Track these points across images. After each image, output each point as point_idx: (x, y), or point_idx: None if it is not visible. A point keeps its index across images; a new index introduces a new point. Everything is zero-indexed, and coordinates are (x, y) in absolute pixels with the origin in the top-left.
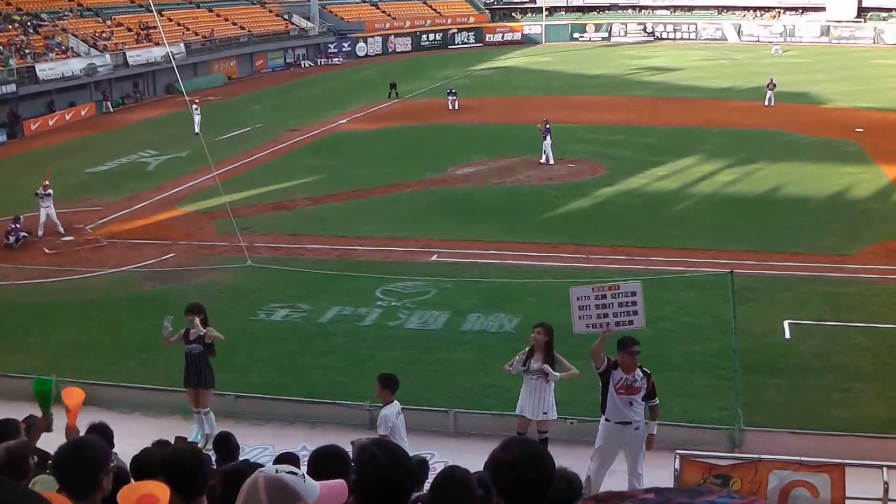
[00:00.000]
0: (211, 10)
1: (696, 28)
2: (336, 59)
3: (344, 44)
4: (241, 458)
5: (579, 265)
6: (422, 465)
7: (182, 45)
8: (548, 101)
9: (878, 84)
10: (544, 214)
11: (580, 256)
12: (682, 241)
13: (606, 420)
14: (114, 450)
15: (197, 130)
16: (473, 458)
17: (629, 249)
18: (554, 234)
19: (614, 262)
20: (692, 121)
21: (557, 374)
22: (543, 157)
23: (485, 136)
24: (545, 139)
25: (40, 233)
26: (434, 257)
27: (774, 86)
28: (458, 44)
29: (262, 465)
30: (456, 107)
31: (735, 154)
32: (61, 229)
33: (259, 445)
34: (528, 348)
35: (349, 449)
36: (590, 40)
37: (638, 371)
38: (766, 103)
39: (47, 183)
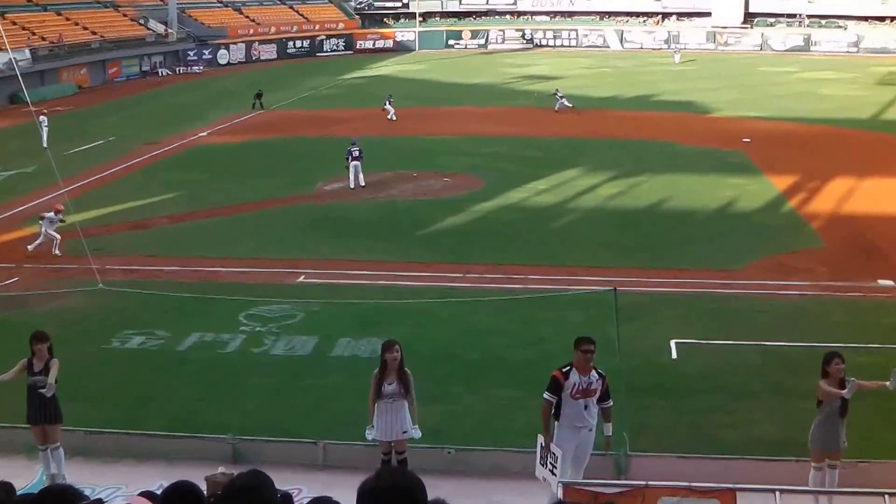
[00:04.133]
0: (60, 14)
1: (577, 35)
2: (196, 67)
3: (204, 51)
4: (93, 498)
5: (457, 284)
6: (286, 499)
7: (27, 51)
8: (423, 112)
9: (765, 92)
10: (419, 231)
11: (457, 275)
12: (563, 258)
13: (561, 425)
14: None
15: (45, 144)
16: (344, 492)
17: (508, 267)
18: (430, 252)
19: (493, 281)
20: (574, 132)
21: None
22: (353, 182)
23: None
24: (355, 160)
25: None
26: (301, 278)
27: (562, 95)
28: (327, 51)
29: None
30: (392, 116)
31: (619, 166)
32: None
33: (111, 485)
34: (376, 371)
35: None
36: (466, 47)
37: (593, 372)
38: (557, 108)
39: (61, 208)
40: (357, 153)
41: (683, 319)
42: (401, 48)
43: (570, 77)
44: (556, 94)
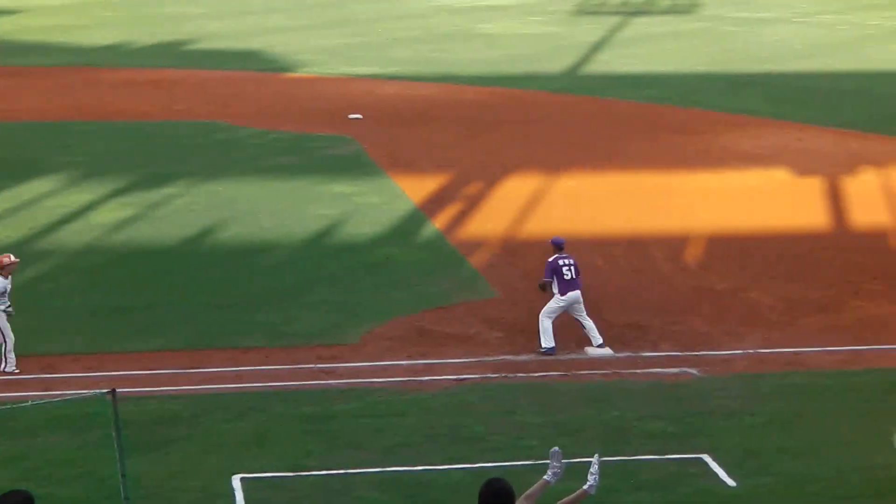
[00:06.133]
0: None
1: None
2: None
3: None
4: None
5: None
6: None
7: None
8: None
9: (385, 31)
10: None
11: None
12: (25, 341)
13: None
14: None
15: None
16: None
17: None
18: None
19: None
20: (42, 109)
21: None
22: None
23: None
24: None
25: None
26: None
27: None
28: None
29: None
30: None
31: (128, 169)
32: None
33: None
34: None
35: None
36: None
37: None
38: None
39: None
40: None
41: (258, 436)
42: None
43: (25, 11)
44: None
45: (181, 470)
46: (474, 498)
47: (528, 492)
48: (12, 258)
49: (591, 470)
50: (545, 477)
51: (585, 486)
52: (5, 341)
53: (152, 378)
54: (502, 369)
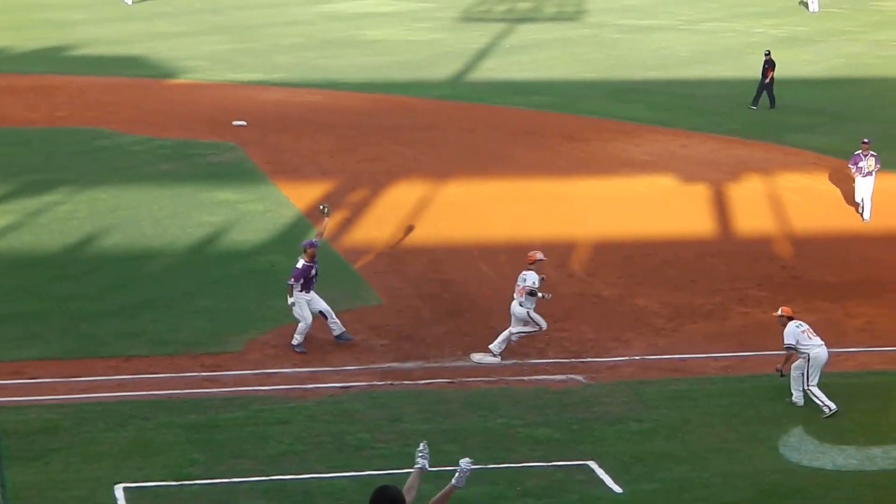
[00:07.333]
0: None
1: None
2: None
3: None
4: None
5: None
6: None
7: None
8: None
9: (270, 38)
10: None
11: None
12: None
13: None
14: None
15: None
16: None
17: None
18: None
19: None
20: None
21: None
22: None
23: None
24: None
25: None
26: None
27: None
28: None
29: None
30: None
31: (34, 176)
32: None
33: None
34: None
35: None
36: None
37: None
38: None
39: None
40: None
41: (139, 445)
42: None
43: None
44: None
45: (62, 479)
46: None
47: (406, 485)
48: (541, 255)
49: (462, 466)
50: (452, 481)
51: (453, 481)
52: (540, 327)
53: (32, 387)
54: (388, 377)
